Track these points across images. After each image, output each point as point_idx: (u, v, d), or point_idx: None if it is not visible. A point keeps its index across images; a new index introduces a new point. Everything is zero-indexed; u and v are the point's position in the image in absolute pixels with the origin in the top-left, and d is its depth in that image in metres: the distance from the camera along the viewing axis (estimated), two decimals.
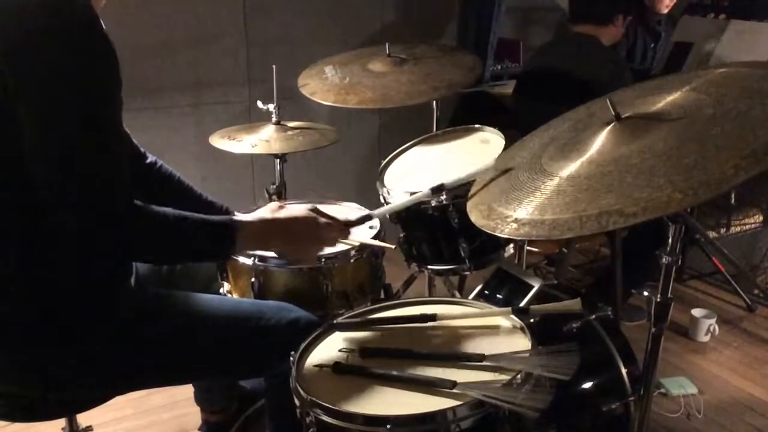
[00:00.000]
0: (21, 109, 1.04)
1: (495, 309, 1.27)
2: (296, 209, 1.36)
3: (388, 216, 1.66)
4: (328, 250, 1.48)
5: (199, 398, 1.87)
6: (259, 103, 2.08)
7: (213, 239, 1.24)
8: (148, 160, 1.54)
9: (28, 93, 1.04)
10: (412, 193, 1.58)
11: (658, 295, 1.20)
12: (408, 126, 2.17)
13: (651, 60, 3.41)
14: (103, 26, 1.08)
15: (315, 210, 1.37)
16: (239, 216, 1.29)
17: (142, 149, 1.54)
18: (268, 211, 1.62)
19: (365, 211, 1.75)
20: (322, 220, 1.36)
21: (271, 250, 1.34)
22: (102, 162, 1.10)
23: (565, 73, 2.30)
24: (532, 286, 1.44)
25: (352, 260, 1.59)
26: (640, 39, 3.50)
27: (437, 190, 1.53)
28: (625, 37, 3.39)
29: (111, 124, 1.11)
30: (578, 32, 2.40)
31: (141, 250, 1.20)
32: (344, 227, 1.41)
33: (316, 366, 1.14)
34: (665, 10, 3.50)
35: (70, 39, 1.04)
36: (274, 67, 1.99)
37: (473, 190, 1.32)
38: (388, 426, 0.96)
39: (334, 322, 1.27)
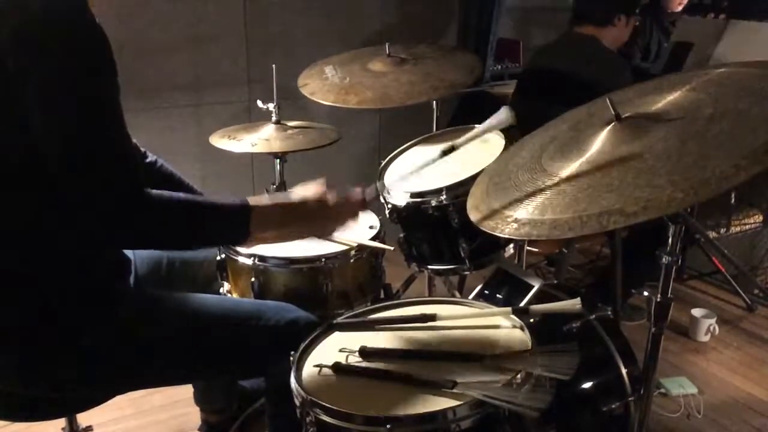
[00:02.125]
0: (25, 97, 1.05)
1: (495, 309, 1.27)
2: (308, 188, 1.33)
3: (388, 215, 1.66)
4: (332, 247, 1.46)
5: (199, 398, 1.87)
6: (259, 103, 2.08)
7: (229, 222, 1.21)
8: (149, 159, 1.54)
9: (28, 81, 1.05)
10: (416, 193, 1.57)
11: (658, 295, 1.20)
12: (408, 126, 2.17)
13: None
14: (95, 17, 1.09)
15: (327, 185, 1.33)
16: (253, 199, 1.26)
17: (143, 148, 1.54)
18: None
19: (366, 212, 1.76)
20: (334, 196, 1.32)
21: (285, 232, 1.29)
22: (107, 147, 1.10)
23: (564, 74, 2.30)
24: (532, 286, 1.44)
25: (352, 260, 1.59)
26: (655, 38, 3.51)
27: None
28: (642, 36, 3.41)
29: (111, 108, 1.12)
30: (578, 33, 2.40)
31: (156, 235, 1.17)
32: (359, 201, 1.37)
33: (316, 366, 1.14)
34: (678, 9, 3.52)
35: (63, 29, 1.06)
36: (274, 67, 1.99)
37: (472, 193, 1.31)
38: (388, 426, 0.96)
39: (334, 322, 1.27)
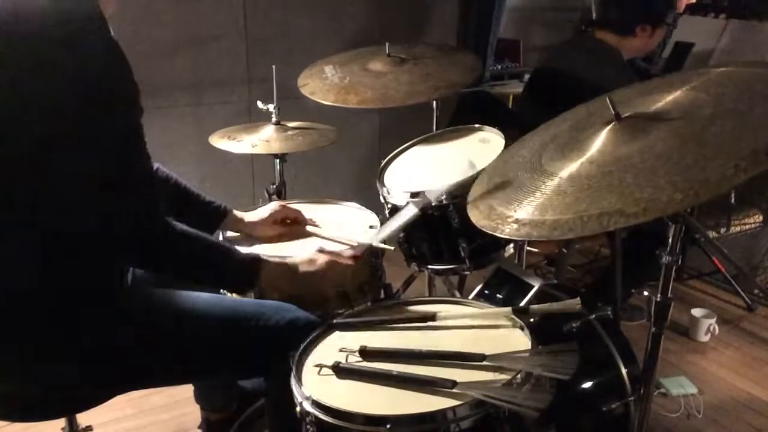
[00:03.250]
0: (43, 117, 1.06)
1: (495, 309, 1.27)
2: (305, 253, 1.40)
3: (388, 215, 1.66)
4: (332, 247, 1.48)
5: (199, 397, 1.87)
6: (259, 103, 2.08)
7: (237, 271, 1.31)
8: None
9: (45, 103, 1.06)
10: (412, 195, 1.58)
11: (658, 295, 1.20)
12: (408, 126, 2.17)
13: None
14: (112, 33, 1.09)
15: (321, 250, 1.41)
16: (264, 255, 1.35)
17: None
18: (268, 210, 1.64)
19: (366, 212, 1.77)
20: (328, 258, 1.39)
21: (277, 291, 1.37)
22: (132, 176, 1.15)
23: (577, 80, 2.22)
24: (532, 286, 1.44)
25: None
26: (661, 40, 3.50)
27: (424, 204, 1.53)
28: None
29: (132, 131, 1.15)
30: (596, 38, 2.28)
31: (168, 263, 1.26)
32: (350, 260, 1.43)
33: (316, 366, 1.14)
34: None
35: (83, 50, 1.08)
36: (274, 67, 1.99)
37: (472, 194, 1.31)
38: (388, 426, 0.96)
39: (334, 322, 1.27)
